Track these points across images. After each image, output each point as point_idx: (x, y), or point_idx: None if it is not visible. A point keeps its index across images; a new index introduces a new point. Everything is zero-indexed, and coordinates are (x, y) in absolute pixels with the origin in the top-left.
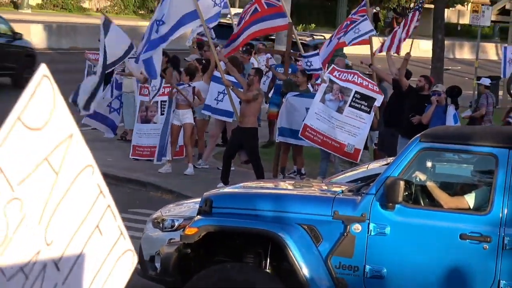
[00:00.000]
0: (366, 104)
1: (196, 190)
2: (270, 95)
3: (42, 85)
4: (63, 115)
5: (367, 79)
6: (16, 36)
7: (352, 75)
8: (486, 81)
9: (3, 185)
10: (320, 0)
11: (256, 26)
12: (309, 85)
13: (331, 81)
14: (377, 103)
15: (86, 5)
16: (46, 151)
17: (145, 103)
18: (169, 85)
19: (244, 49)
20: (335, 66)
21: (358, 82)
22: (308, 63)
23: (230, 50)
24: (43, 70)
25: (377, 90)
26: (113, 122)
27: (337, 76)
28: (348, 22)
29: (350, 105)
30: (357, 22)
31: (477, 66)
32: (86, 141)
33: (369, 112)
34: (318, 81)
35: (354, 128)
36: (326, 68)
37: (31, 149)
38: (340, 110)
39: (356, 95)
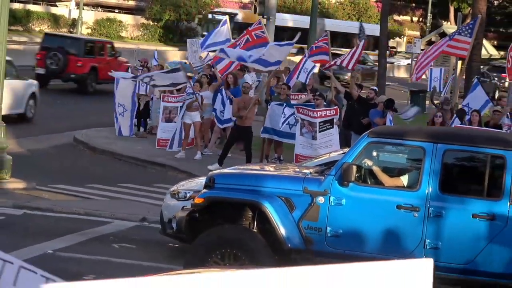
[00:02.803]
0: (329, 124)
1: (202, 171)
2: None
3: None
4: None
5: (322, 109)
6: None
7: (312, 112)
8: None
9: None
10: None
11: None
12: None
13: (301, 118)
14: (336, 119)
15: (123, 34)
16: None
17: (168, 108)
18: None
19: (239, 68)
20: (300, 107)
21: (318, 115)
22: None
23: (232, 68)
24: None
25: (332, 113)
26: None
27: (303, 112)
28: (314, 47)
29: (320, 131)
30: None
31: (409, 82)
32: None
33: (333, 127)
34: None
35: (328, 142)
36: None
37: None
38: (314, 137)
39: (320, 124)
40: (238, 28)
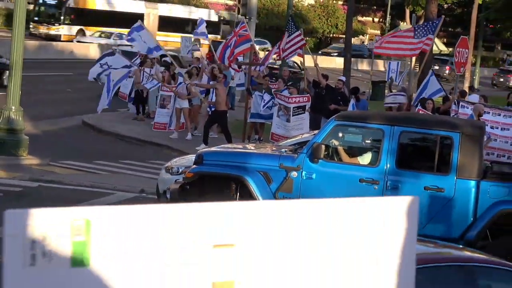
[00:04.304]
0: (301, 109)
1: (192, 149)
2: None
3: None
4: None
5: (296, 96)
6: None
7: (287, 98)
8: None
9: None
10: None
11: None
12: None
13: (279, 103)
14: (308, 106)
15: None
16: None
17: (163, 96)
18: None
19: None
20: (278, 94)
21: (293, 101)
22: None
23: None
24: None
25: (305, 100)
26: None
27: (280, 98)
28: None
29: (293, 115)
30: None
31: (371, 74)
32: (122, 119)
33: (305, 112)
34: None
35: (300, 125)
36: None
37: None
38: (288, 120)
39: (294, 109)
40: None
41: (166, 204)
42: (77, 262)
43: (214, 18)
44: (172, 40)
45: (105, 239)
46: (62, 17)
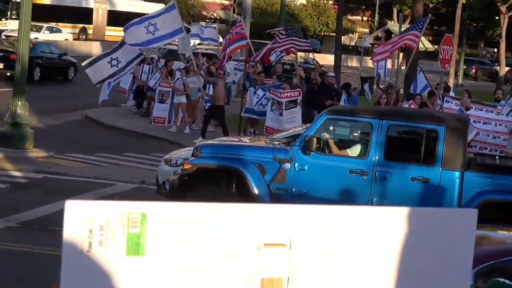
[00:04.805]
0: (293, 103)
1: (191, 142)
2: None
3: None
4: None
5: (287, 91)
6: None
7: (280, 93)
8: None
9: None
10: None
11: (231, 46)
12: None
13: (272, 98)
14: (299, 100)
15: None
16: None
17: (162, 91)
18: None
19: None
20: (270, 89)
21: (285, 96)
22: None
23: (225, 60)
24: None
25: (296, 95)
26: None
27: (273, 93)
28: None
29: (285, 109)
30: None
31: (360, 71)
32: (123, 113)
33: (296, 106)
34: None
35: (292, 118)
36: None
37: None
38: (281, 114)
39: (286, 103)
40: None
41: (219, 203)
42: (132, 252)
43: None
44: (122, 35)
45: (159, 232)
46: (9, 12)
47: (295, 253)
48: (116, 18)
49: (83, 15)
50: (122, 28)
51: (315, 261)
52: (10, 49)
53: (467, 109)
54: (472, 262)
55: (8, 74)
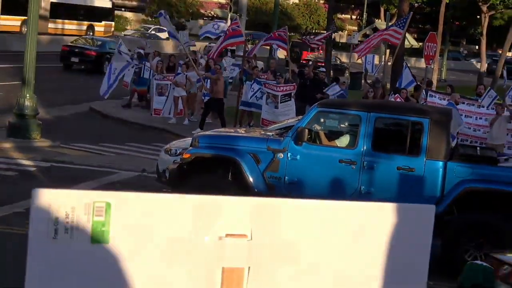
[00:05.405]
0: (288, 97)
1: (189, 133)
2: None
3: None
4: None
5: (283, 85)
6: None
7: (275, 87)
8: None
9: None
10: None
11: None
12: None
13: (267, 92)
14: (293, 94)
15: (128, 27)
16: None
17: (160, 84)
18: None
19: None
20: (266, 83)
21: (280, 89)
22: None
23: (216, 53)
24: None
25: (291, 88)
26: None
27: (269, 87)
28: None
29: (281, 102)
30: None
31: (349, 66)
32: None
33: (291, 100)
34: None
35: (287, 111)
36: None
37: None
38: (276, 107)
39: (281, 96)
40: None
41: (179, 194)
42: (97, 239)
43: (108, 4)
44: (66, 27)
45: (124, 221)
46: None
47: (255, 243)
48: (60, 10)
49: (25, 7)
50: (67, 21)
51: (275, 251)
52: (86, 46)
53: (456, 103)
54: (429, 257)
55: (82, 67)
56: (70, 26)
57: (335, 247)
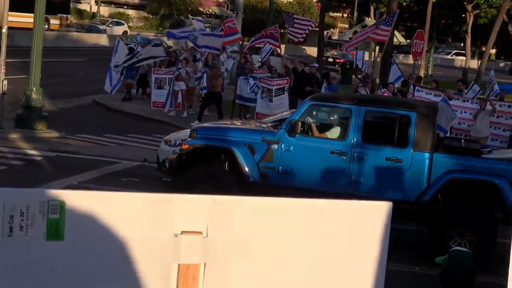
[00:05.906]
0: (282, 91)
1: (188, 125)
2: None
3: None
4: None
5: (277, 79)
6: None
7: (270, 81)
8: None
9: None
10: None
11: (225, 39)
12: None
13: (262, 86)
14: (287, 87)
15: (130, 24)
16: None
17: (159, 78)
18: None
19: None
20: (260, 78)
21: (274, 83)
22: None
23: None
24: None
25: (284, 82)
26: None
27: (263, 82)
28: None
29: (275, 96)
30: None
31: (343, 52)
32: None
33: (284, 93)
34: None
35: (281, 104)
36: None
37: None
38: (271, 100)
39: (276, 90)
40: None
41: (132, 192)
42: (52, 236)
43: None
44: (25, 21)
45: (78, 218)
46: None
47: (211, 240)
48: (19, 3)
49: None
50: (27, 14)
51: (230, 248)
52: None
53: (450, 99)
54: (386, 254)
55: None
56: (30, 19)
57: (289, 243)
